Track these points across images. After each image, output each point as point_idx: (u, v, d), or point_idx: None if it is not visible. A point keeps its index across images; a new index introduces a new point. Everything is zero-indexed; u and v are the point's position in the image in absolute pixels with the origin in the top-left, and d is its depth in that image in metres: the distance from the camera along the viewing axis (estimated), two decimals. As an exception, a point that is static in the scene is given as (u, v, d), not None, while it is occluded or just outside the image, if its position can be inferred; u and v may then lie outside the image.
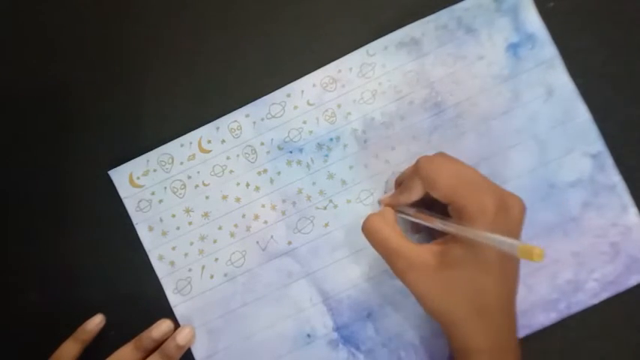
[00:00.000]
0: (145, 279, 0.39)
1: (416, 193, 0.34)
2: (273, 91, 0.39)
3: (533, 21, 0.38)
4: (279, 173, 0.39)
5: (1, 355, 0.39)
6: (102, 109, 0.40)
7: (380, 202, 0.38)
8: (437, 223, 0.32)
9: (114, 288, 0.39)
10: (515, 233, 0.32)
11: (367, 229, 0.34)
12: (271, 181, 0.39)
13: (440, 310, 0.32)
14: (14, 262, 0.40)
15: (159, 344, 0.38)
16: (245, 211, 0.39)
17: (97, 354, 0.38)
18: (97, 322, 0.38)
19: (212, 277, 0.39)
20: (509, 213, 0.31)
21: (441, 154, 0.34)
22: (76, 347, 0.37)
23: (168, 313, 0.39)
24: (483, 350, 0.31)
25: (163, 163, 0.39)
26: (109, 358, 0.37)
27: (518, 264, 0.33)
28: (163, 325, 0.38)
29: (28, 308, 0.39)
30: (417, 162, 0.33)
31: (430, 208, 0.34)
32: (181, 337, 0.37)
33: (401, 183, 0.37)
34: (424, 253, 0.32)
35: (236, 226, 0.39)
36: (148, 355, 0.37)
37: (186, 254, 0.39)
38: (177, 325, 0.39)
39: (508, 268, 0.32)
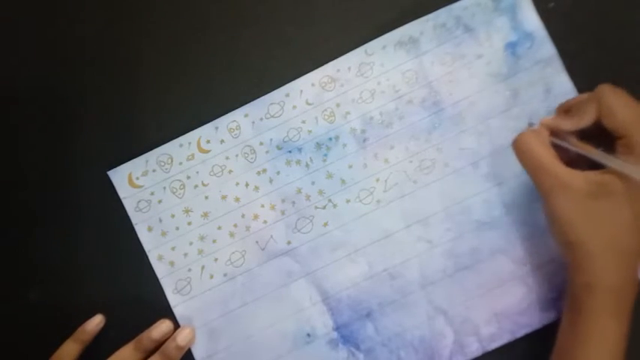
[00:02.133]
0: (145, 279, 0.39)
1: (587, 119, 0.32)
2: (271, 90, 0.39)
3: (532, 20, 0.38)
4: (278, 173, 0.39)
5: (0, 355, 0.39)
6: (100, 110, 0.40)
7: (539, 123, 0.35)
8: (598, 155, 0.31)
9: (114, 288, 0.39)
10: None
11: (520, 144, 0.33)
12: (270, 180, 0.39)
13: (580, 238, 0.31)
14: (14, 262, 0.40)
15: (159, 344, 0.38)
16: (244, 210, 0.39)
17: (97, 354, 0.38)
18: (96, 322, 0.38)
19: (212, 277, 0.39)
20: None
21: (622, 90, 0.33)
22: (76, 347, 0.37)
23: (168, 313, 0.39)
24: (612, 288, 0.31)
25: (162, 164, 0.39)
26: (109, 358, 0.37)
27: None
28: (163, 326, 0.38)
29: (27, 308, 0.39)
30: (599, 88, 0.32)
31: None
32: (181, 337, 0.37)
33: (566, 110, 0.35)
34: (578, 177, 0.31)
35: (235, 226, 0.39)
36: (148, 356, 0.37)
37: (185, 254, 0.39)
38: (177, 325, 0.39)
39: None
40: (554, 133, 0.34)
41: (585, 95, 0.34)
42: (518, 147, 0.33)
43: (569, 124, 0.33)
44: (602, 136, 0.32)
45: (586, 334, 0.32)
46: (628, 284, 0.32)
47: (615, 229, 0.31)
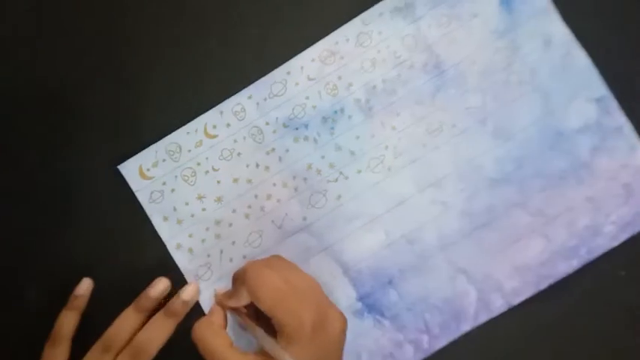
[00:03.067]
0: (165, 269, 0.39)
1: (243, 300, 0.34)
2: (272, 70, 0.39)
3: (524, -27, 0.39)
4: (287, 151, 0.39)
5: (1, 355, 0.40)
6: (103, 105, 0.40)
7: (214, 296, 0.38)
8: (257, 334, 0.33)
9: (135, 282, 0.39)
10: (334, 350, 0.32)
11: (194, 335, 0.33)
12: (280, 159, 0.39)
13: None
14: (18, 261, 0.40)
15: (159, 304, 0.38)
16: (257, 191, 0.39)
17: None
18: (85, 286, 0.38)
19: (231, 260, 0.39)
20: (327, 330, 0.32)
21: (273, 260, 0.35)
22: (72, 315, 0.38)
23: (191, 300, 0.39)
24: None
25: (172, 153, 0.39)
26: (112, 325, 0.37)
27: None
28: (160, 284, 0.38)
29: (30, 308, 0.40)
30: (245, 269, 0.33)
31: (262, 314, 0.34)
32: (186, 293, 0.38)
33: (235, 281, 0.36)
34: None
35: (250, 207, 0.39)
36: (150, 316, 0.37)
37: (203, 240, 0.39)
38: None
39: None
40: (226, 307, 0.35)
41: (239, 272, 0.35)
42: (194, 338, 0.33)
43: (232, 302, 0.35)
44: None
45: None
46: None
47: None
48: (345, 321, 0.33)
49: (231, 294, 0.36)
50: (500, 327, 0.38)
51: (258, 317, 0.34)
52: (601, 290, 0.38)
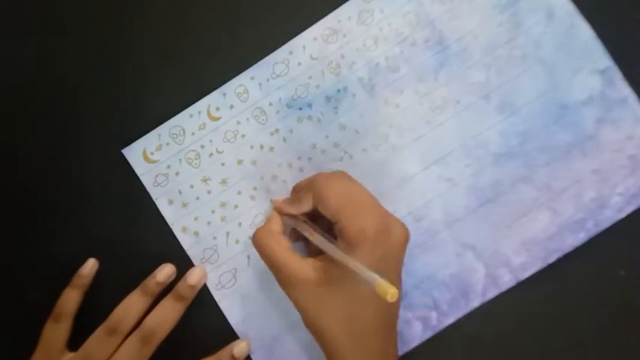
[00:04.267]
0: (172, 253, 0.39)
1: (305, 206, 0.35)
2: (274, 50, 0.39)
3: (524, -54, 0.38)
4: (291, 131, 0.39)
5: (1, 355, 0.40)
6: (105, 90, 0.40)
7: (271, 202, 0.38)
8: (316, 238, 0.33)
9: (141, 266, 0.39)
10: (394, 258, 0.33)
11: (255, 241, 0.35)
12: (284, 140, 0.39)
13: (316, 326, 0.33)
14: (20, 258, 0.40)
15: (165, 288, 0.38)
16: (262, 172, 0.39)
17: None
18: (90, 265, 0.38)
19: (237, 242, 0.39)
20: (390, 238, 0.33)
21: (340, 173, 0.35)
22: (76, 293, 0.38)
23: (198, 283, 0.39)
24: None
25: (175, 136, 0.39)
26: (117, 308, 0.37)
27: None
28: (166, 268, 0.38)
29: (31, 305, 0.39)
30: (314, 177, 0.35)
31: (319, 223, 0.35)
32: (192, 277, 0.38)
33: (298, 191, 0.37)
34: (307, 267, 0.33)
35: (255, 189, 0.39)
36: (155, 300, 0.38)
37: (209, 223, 0.39)
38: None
39: None
40: (284, 214, 0.36)
41: (305, 181, 0.36)
42: (255, 244, 0.35)
43: (293, 209, 0.35)
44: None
45: None
46: None
47: (347, 314, 0.32)
48: (407, 233, 0.34)
49: (291, 201, 0.36)
50: (508, 302, 0.38)
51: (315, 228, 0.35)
52: (601, 290, 0.38)
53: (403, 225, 0.34)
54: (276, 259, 0.34)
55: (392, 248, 0.33)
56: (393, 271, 0.33)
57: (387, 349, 0.34)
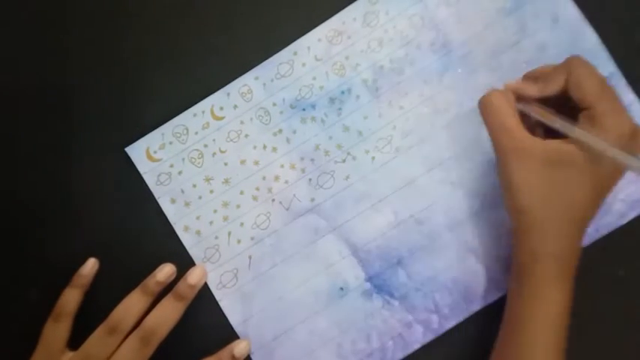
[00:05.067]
0: (173, 252, 0.39)
1: (553, 87, 0.33)
2: (279, 50, 0.39)
3: (530, -50, 0.38)
4: (294, 132, 0.39)
5: (1, 355, 0.39)
6: (110, 87, 0.40)
7: (505, 86, 0.35)
8: (557, 123, 0.32)
9: (142, 265, 0.39)
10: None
11: (487, 103, 0.33)
12: (287, 140, 0.39)
13: (531, 204, 0.32)
14: (20, 258, 0.40)
15: (165, 288, 0.38)
16: (265, 173, 0.39)
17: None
18: (90, 265, 0.38)
19: (239, 242, 0.39)
20: (637, 142, 0.31)
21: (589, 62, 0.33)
22: (76, 293, 0.38)
23: (199, 282, 0.39)
24: (557, 256, 0.32)
25: (178, 135, 0.39)
26: (118, 308, 0.37)
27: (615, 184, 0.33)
28: (166, 268, 0.38)
29: (31, 305, 0.39)
30: (569, 59, 0.33)
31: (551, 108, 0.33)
32: (192, 276, 0.38)
33: (533, 78, 0.35)
34: (538, 144, 0.32)
35: (257, 189, 0.39)
36: (156, 300, 0.38)
37: (211, 222, 0.39)
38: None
39: (611, 185, 0.32)
40: (518, 98, 0.34)
41: (551, 65, 0.34)
42: (486, 105, 0.33)
43: (534, 90, 0.34)
44: (561, 107, 0.32)
45: (531, 301, 0.32)
46: (573, 252, 0.33)
47: (568, 199, 0.31)
48: None
49: (532, 82, 0.34)
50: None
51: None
52: (601, 290, 0.38)
53: None
54: (508, 124, 0.32)
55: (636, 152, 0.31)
56: None
57: (583, 236, 0.33)
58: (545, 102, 0.33)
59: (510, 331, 0.34)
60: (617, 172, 0.32)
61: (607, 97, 0.31)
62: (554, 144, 0.32)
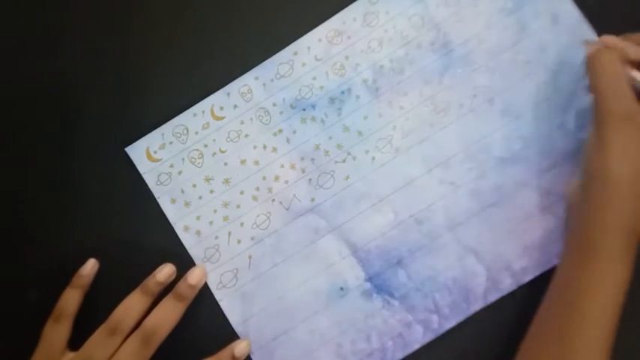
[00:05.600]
0: (173, 252, 0.39)
1: None
2: (279, 50, 0.39)
3: (531, -50, 0.38)
4: (294, 132, 0.39)
5: (1, 355, 0.39)
6: (110, 87, 0.40)
7: (604, 42, 0.34)
8: None
9: (143, 265, 0.39)
10: None
11: (604, 62, 0.32)
12: (287, 140, 0.39)
13: (620, 174, 0.30)
14: (20, 258, 0.40)
15: (165, 288, 0.38)
16: (265, 173, 0.39)
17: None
18: (90, 265, 0.38)
19: (239, 242, 0.39)
20: None
21: None
22: (76, 294, 0.38)
23: (199, 282, 0.39)
24: (633, 233, 0.31)
25: (178, 135, 0.39)
26: (118, 308, 0.37)
27: None
28: (166, 268, 0.38)
29: (31, 305, 0.39)
30: None
31: None
32: (192, 277, 0.38)
33: (634, 40, 0.34)
34: None
35: (257, 189, 0.39)
36: (156, 300, 0.38)
37: (211, 222, 0.39)
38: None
39: None
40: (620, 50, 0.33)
41: None
42: (602, 65, 0.32)
43: (638, 53, 0.33)
44: None
45: (599, 277, 0.31)
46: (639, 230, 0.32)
47: None
48: None
49: (633, 45, 0.33)
50: (509, 306, 0.38)
51: None
52: None
53: None
54: (621, 86, 0.31)
55: None
56: None
57: None
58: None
59: (568, 303, 0.32)
60: None
61: None
62: None
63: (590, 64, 0.33)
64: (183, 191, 0.39)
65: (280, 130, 0.39)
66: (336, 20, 0.39)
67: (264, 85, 0.39)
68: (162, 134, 0.39)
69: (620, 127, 0.31)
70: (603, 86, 0.32)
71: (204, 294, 0.39)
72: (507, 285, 0.38)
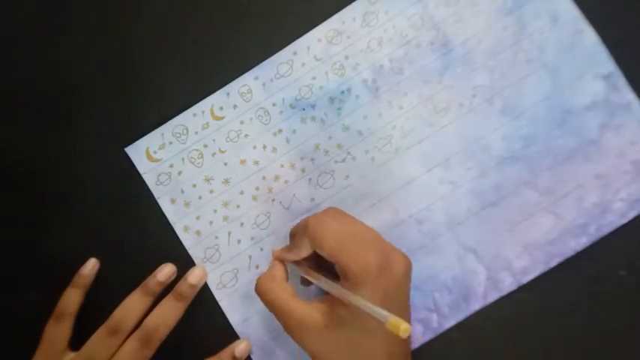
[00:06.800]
0: (173, 252, 0.39)
1: (304, 251, 0.34)
2: (278, 50, 0.39)
3: (530, -50, 0.38)
4: (294, 132, 0.39)
5: (1, 355, 0.39)
6: (108, 90, 0.40)
7: (273, 253, 0.37)
8: (322, 282, 0.32)
9: (142, 265, 0.39)
10: (399, 290, 0.32)
11: (258, 289, 0.34)
12: (287, 140, 0.39)
13: None
14: (21, 258, 0.40)
15: (166, 288, 0.38)
16: (265, 173, 0.39)
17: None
18: (91, 265, 0.39)
19: (239, 241, 0.39)
20: (392, 271, 0.32)
21: (332, 211, 0.34)
22: (77, 293, 0.38)
23: (199, 282, 0.39)
24: None
25: (178, 135, 0.39)
26: (118, 308, 0.37)
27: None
28: (167, 268, 0.38)
29: (32, 305, 0.39)
30: (306, 220, 0.33)
31: (323, 264, 0.34)
32: (193, 276, 0.38)
33: (293, 236, 0.36)
34: (313, 311, 0.32)
35: (257, 189, 0.39)
36: (156, 300, 0.38)
37: (211, 222, 0.39)
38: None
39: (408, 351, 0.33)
40: (286, 262, 0.35)
41: (298, 226, 0.35)
42: (258, 291, 0.34)
43: (292, 256, 0.34)
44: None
45: None
46: None
47: (356, 354, 0.31)
48: (409, 263, 0.33)
49: (290, 248, 0.35)
50: (509, 306, 0.38)
51: (318, 270, 0.34)
52: (601, 290, 0.38)
53: (403, 255, 0.33)
54: (281, 304, 0.33)
55: (396, 280, 0.32)
56: (401, 305, 0.32)
57: None
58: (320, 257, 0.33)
59: None
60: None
61: (347, 246, 0.32)
62: (325, 305, 0.32)
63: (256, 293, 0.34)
64: (183, 191, 0.39)
65: (280, 130, 0.39)
66: (336, 20, 0.39)
67: (263, 85, 0.39)
68: (162, 134, 0.39)
69: (298, 339, 0.32)
70: (269, 309, 0.34)
71: (204, 294, 0.39)
72: (507, 284, 0.38)
